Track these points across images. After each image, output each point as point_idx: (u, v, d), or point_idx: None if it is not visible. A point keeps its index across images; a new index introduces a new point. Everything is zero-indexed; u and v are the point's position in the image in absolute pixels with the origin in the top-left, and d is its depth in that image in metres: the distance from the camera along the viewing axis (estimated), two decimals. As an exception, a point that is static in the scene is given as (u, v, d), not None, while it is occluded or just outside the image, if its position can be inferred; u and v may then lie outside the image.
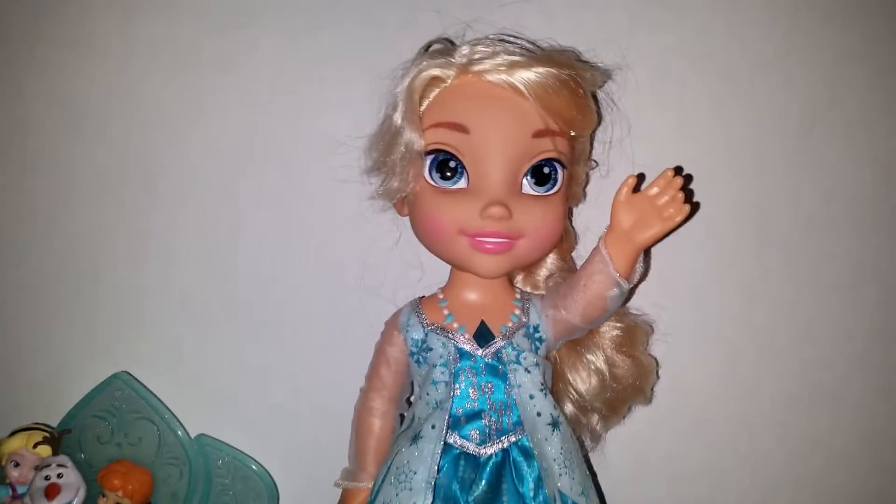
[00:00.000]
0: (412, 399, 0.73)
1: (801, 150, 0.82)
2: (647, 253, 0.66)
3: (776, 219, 0.82)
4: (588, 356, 0.72)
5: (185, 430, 0.82)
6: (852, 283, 0.83)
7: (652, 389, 0.77)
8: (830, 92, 0.82)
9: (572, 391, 0.73)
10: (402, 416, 0.73)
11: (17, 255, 0.84)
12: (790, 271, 0.82)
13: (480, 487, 0.65)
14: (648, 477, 0.82)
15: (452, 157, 0.66)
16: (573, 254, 0.77)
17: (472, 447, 0.66)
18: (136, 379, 0.82)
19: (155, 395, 0.82)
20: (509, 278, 0.72)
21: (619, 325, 0.74)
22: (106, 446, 0.81)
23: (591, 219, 0.76)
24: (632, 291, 0.70)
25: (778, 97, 0.81)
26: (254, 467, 0.81)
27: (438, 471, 0.65)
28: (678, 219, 0.62)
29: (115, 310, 0.84)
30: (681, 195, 0.62)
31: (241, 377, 0.84)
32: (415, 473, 0.64)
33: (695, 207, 0.72)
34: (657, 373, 0.77)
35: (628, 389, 0.74)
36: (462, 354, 0.67)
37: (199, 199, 0.83)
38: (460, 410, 0.66)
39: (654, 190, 0.63)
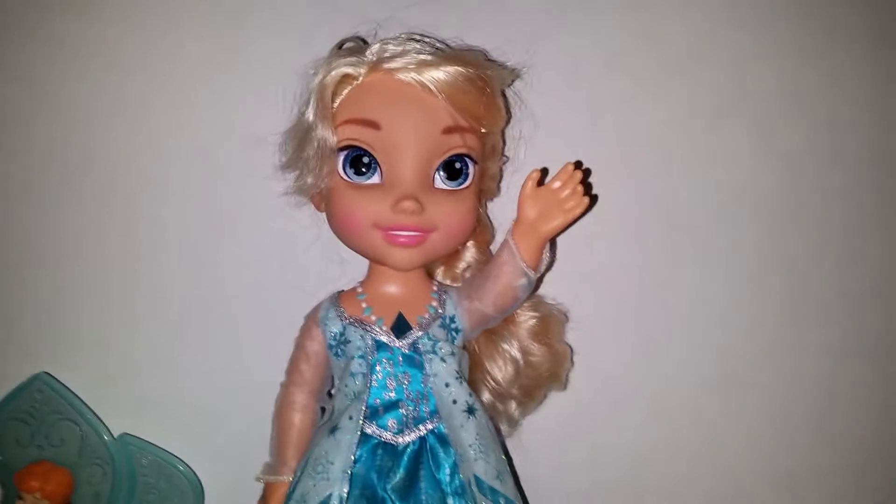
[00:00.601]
0: (332, 392, 0.74)
1: (711, 147, 0.85)
2: (552, 243, 0.69)
3: (688, 212, 0.85)
4: (503, 345, 0.74)
5: (108, 430, 0.81)
6: (760, 273, 0.87)
7: (567, 376, 0.79)
8: (739, 91, 0.85)
9: (489, 379, 0.75)
10: (322, 410, 0.74)
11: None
12: (702, 262, 0.86)
13: (398, 475, 0.67)
14: (565, 461, 0.85)
15: (365, 152, 0.67)
16: (491, 247, 0.79)
17: (389, 436, 0.68)
18: (56, 379, 0.81)
19: (76, 396, 0.81)
20: (428, 271, 0.74)
21: (534, 314, 0.76)
22: (27, 449, 0.79)
23: (508, 212, 0.78)
24: (541, 280, 0.73)
25: (688, 96, 0.84)
26: (179, 466, 0.81)
27: (356, 461, 0.66)
28: (578, 211, 0.65)
29: (35, 309, 0.83)
30: (581, 188, 0.65)
31: (163, 376, 0.83)
32: (332, 464, 0.66)
33: (593, 200, 0.74)
34: (572, 360, 0.80)
35: (543, 376, 0.77)
36: (379, 346, 0.69)
37: (120, 197, 0.82)
38: (378, 401, 0.68)
39: (557, 184, 0.65)
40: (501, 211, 0.78)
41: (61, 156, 0.83)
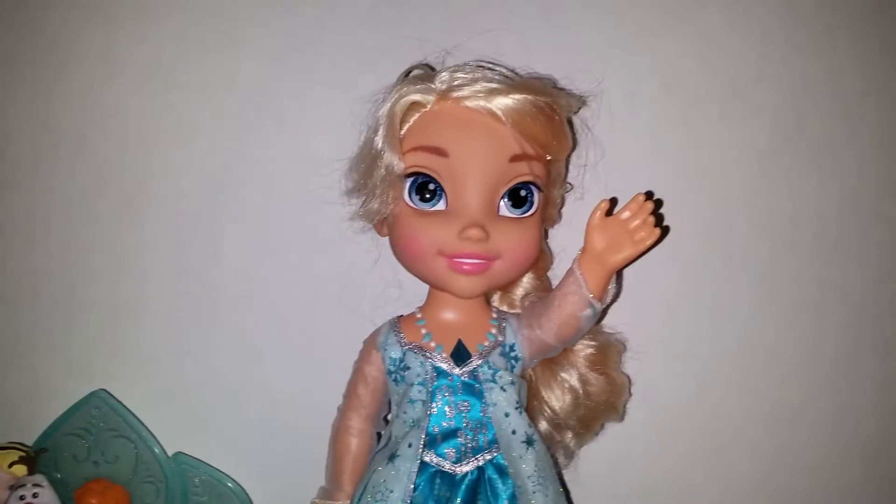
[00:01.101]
0: (389, 417, 0.74)
1: (769, 174, 0.84)
2: (619, 274, 0.68)
3: (746, 240, 0.84)
4: (562, 374, 0.74)
5: (161, 448, 0.82)
6: (818, 304, 0.86)
7: (624, 406, 0.78)
8: (798, 117, 0.84)
9: (546, 409, 0.75)
10: (378, 435, 0.74)
11: (-7, 271, 0.84)
12: (758, 291, 0.85)
13: (456, 505, 0.66)
14: (620, 493, 0.84)
15: (432, 179, 0.67)
16: (549, 273, 0.79)
17: (447, 465, 0.67)
18: (113, 397, 0.82)
19: (132, 413, 0.82)
20: (486, 298, 0.74)
21: (592, 343, 0.75)
22: (82, 465, 0.80)
23: (566, 239, 0.77)
24: (604, 311, 0.72)
25: (748, 122, 0.84)
26: (230, 485, 0.81)
27: (415, 489, 0.66)
28: (649, 242, 0.64)
29: (92, 327, 0.84)
30: (651, 219, 0.64)
31: (217, 395, 0.84)
32: (391, 492, 0.65)
33: (665, 231, 0.74)
34: (629, 390, 0.79)
35: (601, 406, 0.76)
36: (439, 373, 0.68)
37: (177, 216, 0.83)
38: (437, 429, 0.67)
39: (626, 214, 0.64)
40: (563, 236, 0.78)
41: (119, 174, 0.84)
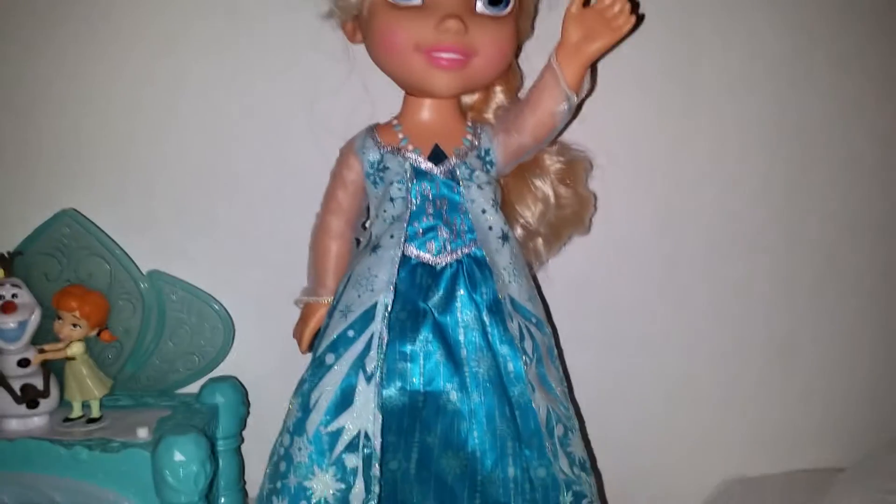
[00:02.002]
0: (367, 223, 0.75)
1: (730, 14, 0.86)
2: (593, 70, 0.70)
3: (707, 75, 0.87)
4: (536, 181, 0.76)
5: (136, 266, 0.82)
6: (770, 141, 0.89)
7: (590, 220, 0.81)
8: None
9: (518, 216, 0.77)
10: (357, 242, 0.76)
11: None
12: (722, 121, 0.88)
13: (438, 293, 0.69)
14: (589, 309, 0.89)
15: None
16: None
17: (428, 257, 0.70)
18: (84, 216, 0.81)
19: (104, 233, 0.81)
20: (460, 106, 0.75)
21: (561, 158, 0.78)
22: (54, 283, 0.80)
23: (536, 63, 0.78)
24: (579, 108, 0.74)
25: None
26: (209, 301, 0.83)
27: (398, 280, 0.68)
28: (626, 28, 0.65)
29: (60, 152, 0.83)
30: (628, 6, 0.65)
31: (190, 220, 0.85)
32: (376, 276, 0.68)
33: (640, 19, 0.75)
34: (594, 205, 0.82)
35: (569, 217, 0.79)
36: (418, 173, 0.70)
37: (143, 43, 0.82)
38: (417, 224, 0.70)
39: (605, 1, 0.65)
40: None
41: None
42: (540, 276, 0.82)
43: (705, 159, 0.89)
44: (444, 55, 0.68)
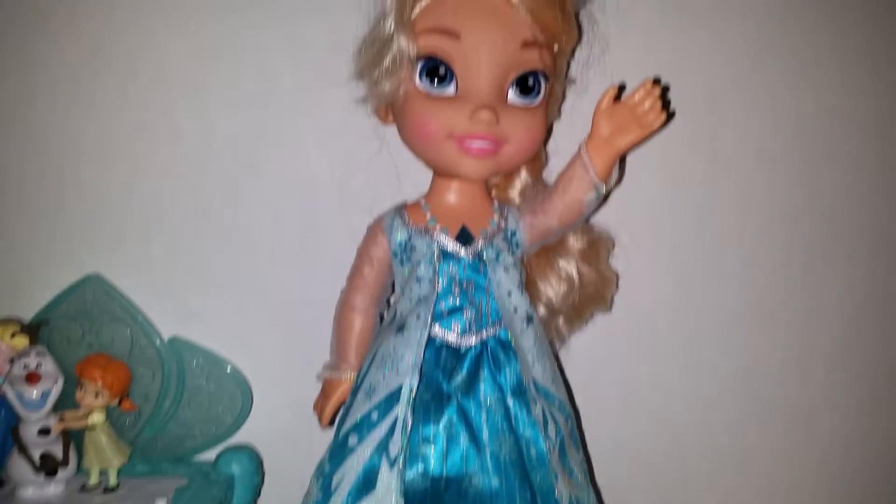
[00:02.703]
0: (392, 300, 0.76)
1: (752, 85, 0.88)
2: (622, 161, 0.71)
3: (729, 148, 0.88)
4: (560, 262, 0.77)
5: (157, 332, 0.82)
6: (791, 213, 0.90)
7: (612, 298, 0.82)
8: (781, 26, 0.87)
9: (542, 296, 0.78)
10: (381, 317, 0.76)
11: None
12: (739, 199, 0.89)
13: (461, 375, 0.69)
14: (602, 383, 0.89)
15: (443, 62, 0.68)
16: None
17: (453, 338, 0.70)
18: (107, 281, 0.82)
19: (127, 298, 0.82)
20: (487, 188, 0.76)
21: (584, 238, 0.79)
22: (76, 348, 0.80)
23: (561, 143, 0.80)
24: (606, 198, 0.74)
25: (734, 34, 0.87)
26: (228, 368, 0.83)
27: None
28: (656, 125, 0.66)
29: (84, 214, 0.84)
30: (659, 103, 0.67)
31: (212, 285, 0.85)
32: (402, 358, 0.68)
33: (670, 116, 0.76)
34: (617, 284, 0.82)
35: (591, 297, 0.79)
36: (445, 254, 0.71)
37: (170, 103, 0.83)
38: (443, 305, 0.70)
39: (636, 98, 0.67)
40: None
41: (110, 59, 0.83)
42: (561, 353, 0.83)
43: (727, 231, 0.89)
44: (476, 143, 0.69)
